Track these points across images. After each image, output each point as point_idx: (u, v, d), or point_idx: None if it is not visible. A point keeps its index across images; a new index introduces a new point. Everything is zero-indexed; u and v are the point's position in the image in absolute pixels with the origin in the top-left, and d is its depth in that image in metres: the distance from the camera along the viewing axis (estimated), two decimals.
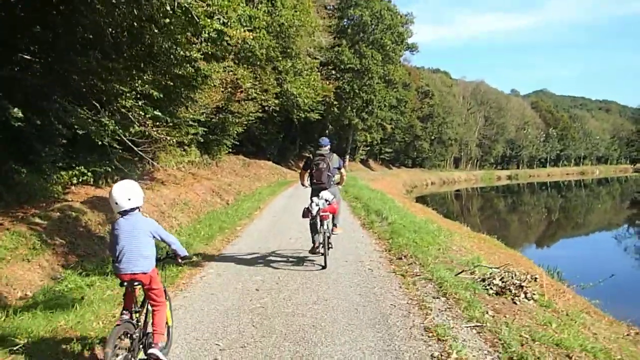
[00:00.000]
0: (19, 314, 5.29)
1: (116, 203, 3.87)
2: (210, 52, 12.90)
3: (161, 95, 12.83)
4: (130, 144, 12.35)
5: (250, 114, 25.89)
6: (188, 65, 12.15)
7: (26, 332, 4.73)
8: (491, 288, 6.43)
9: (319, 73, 36.35)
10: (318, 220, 7.48)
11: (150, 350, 3.96)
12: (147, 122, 12.42)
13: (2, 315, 5.31)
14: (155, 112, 13.20)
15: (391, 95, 49.18)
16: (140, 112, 12.13)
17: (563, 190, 67.27)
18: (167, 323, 4.32)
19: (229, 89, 22.92)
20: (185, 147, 23.16)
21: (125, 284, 3.95)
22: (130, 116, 12.14)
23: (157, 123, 12.89)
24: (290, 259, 8.31)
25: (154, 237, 4.03)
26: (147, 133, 12.80)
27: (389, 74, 46.35)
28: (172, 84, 13.13)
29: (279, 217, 13.70)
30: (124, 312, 3.96)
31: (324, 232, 7.44)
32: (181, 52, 11.08)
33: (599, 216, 39.55)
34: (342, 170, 8.15)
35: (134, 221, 3.95)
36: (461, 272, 7.10)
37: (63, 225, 8.79)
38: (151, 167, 19.00)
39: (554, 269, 12.26)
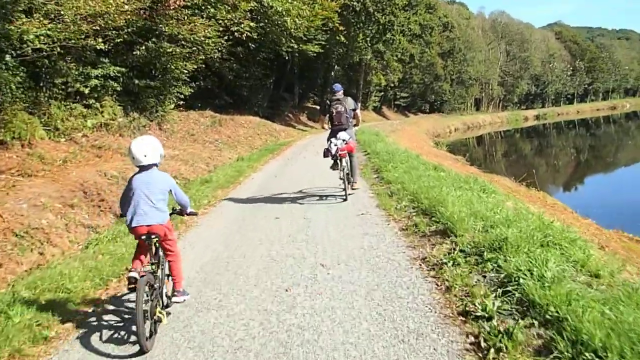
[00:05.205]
0: None
1: (133, 158, 3.84)
2: None
3: None
4: None
5: (207, 41, 15.79)
6: None
7: None
8: None
9: None
10: (337, 159, 8.37)
11: (174, 299, 4.08)
12: None
13: None
14: None
15: (413, 20, 37.17)
16: None
17: (592, 128, 64.48)
18: None
19: None
20: (91, 102, 13.29)
21: (143, 237, 3.87)
22: None
23: None
24: None
25: (169, 192, 4.01)
26: None
27: None
28: None
29: None
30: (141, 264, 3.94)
31: (344, 169, 8.30)
32: None
33: (630, 153, 37.46)
34: (357, 111, 8.90)
35: (150, 176, 3.90)
36: None
37: None
38: None
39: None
